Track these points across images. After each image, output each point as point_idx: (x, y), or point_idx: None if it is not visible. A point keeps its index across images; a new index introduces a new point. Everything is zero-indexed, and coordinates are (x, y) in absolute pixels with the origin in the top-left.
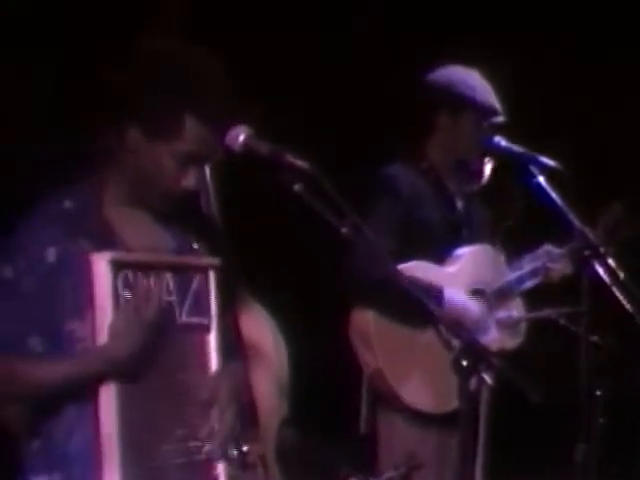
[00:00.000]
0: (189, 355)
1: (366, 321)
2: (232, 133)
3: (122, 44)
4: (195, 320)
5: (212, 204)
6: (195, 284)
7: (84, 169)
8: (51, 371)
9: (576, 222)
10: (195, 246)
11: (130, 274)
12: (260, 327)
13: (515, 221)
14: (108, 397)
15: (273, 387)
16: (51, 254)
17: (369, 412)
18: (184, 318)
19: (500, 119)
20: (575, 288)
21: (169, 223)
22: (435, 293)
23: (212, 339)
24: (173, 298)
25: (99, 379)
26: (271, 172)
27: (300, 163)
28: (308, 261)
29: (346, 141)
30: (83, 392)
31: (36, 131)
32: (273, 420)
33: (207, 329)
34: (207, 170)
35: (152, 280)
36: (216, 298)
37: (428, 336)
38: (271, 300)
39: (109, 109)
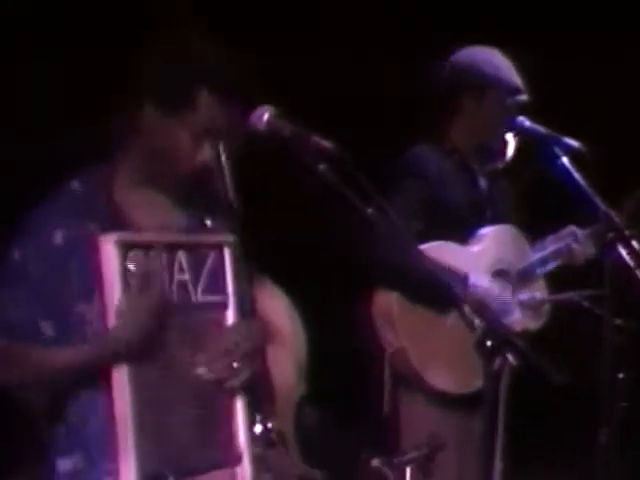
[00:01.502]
0: (206, 334)
1: (389, 301)
2: (256, 113)
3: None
4: (211, 298)
5: (228, 183)
6: (210, 262)
7: (96, 154)
8: (65, 358)
9: (600, 204)
10: (208, 223)
11: (140, 254)
12: (277, 307)
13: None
14: (121, 379)
15: (291, 366)
16: (58, 237)
17: (391, 393)
18: (200, 297)
19: (524, 97)
20: (599, 270)
21: (183, 202)
22: (460, 278)
23: (230, 317)
24: (187, 277)
25: (111, 362)
26: (294, 152)
27: (325, 143)
28: (329, 241)
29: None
30: (97, 376)
31: (48, 119)
32: (291, 399)
33: (224, 307)
34: (222, 149)
35: (164, 259)
36: (233, 275)
37: (451, 316)
38: (290, 280)
39: (123, 90)
